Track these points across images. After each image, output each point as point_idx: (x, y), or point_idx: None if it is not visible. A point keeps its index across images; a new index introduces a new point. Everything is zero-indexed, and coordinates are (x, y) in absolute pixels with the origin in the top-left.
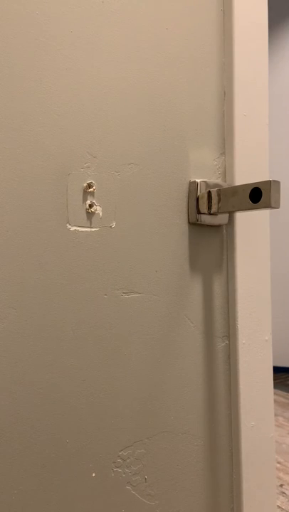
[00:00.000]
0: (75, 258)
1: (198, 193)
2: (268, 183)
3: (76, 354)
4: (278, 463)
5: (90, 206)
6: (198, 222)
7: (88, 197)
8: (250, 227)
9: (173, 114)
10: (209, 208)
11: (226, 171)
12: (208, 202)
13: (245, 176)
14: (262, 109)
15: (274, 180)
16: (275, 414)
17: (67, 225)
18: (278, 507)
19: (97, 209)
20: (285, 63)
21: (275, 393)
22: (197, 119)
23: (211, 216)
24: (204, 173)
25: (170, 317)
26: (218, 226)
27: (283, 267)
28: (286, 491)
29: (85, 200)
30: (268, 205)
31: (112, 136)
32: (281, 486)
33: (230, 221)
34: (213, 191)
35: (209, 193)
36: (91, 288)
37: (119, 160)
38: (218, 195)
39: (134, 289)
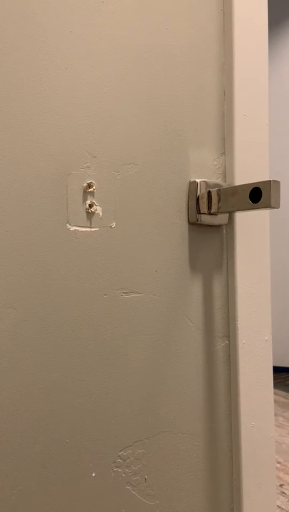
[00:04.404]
0: (75, 258)
1: (198, 193)
2: (268, 183)
3: (76, 354)
4: (278, 463)
5: (90, 206)
6: (198, 222)
7: (88, 197)
8: (250, 227)
9: (173, 114)
10: (209, 207)
11: (226, 171)
12: (208, 202)
13: (245, 176)
14: (262, 109)
15: (274, 180)
16: (275, 414)
17: (67, 225)
18: (278, 507)
19: (97, 209)
20: (285, 63)
21: (275, 393)
22: (197, 119)
23: (211, 216)
24: (204, 173)
25: (170, 317)
26: (218, 226)
27: (283, 267)
28: (286, 491)
29: (85, 200)
30: (267, 205)
31: (112, 136)
32: (281, 485)
33: (230, 221)
34: (213, 191)
35: (209, 193)
36: (91, 288)
37: (119, 160)
38: (218, 195)
39: (134, 289)
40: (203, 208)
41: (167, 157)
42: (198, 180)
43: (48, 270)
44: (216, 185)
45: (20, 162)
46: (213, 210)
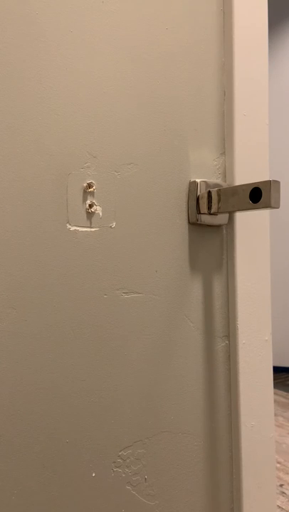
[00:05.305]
0: (75, 258)
1: (198, 193)
2: (268, 183)
3: (76, 354)
4: (278, 463)
5: (90, 206)
6: (198, 222)
7: (88, 197)
8: (250, 227)
9: (173, 114)
10: (209, 207)
11: (226, 171)
12: (208, 202)
13: (245, 176)
14: (262, 109)
15: (274, 180)
16: (275, 414)
17: (67, 225)
18: (278, 507)
19: (97, 209)
20: (285, 63)
21: (275, 393)
22: (197, 119)
23: (211, 216)
24: (204, 173)
25: (170, 317)
26: (218, 226)
27: (283, 267)
28: (286, 491)
29: (85, 200)
30: (267, 205)
31: (112, 136)
32: (281, 485)
33: (230, 221)
34: (213, 191)
35: (209, 193)
36: (91, 288)
37: (119, 160)
38: (218, 195)
39: (134, 289)
40: (203, 208)
41: (167, 157)
42: (198, 180)
43: (48, 270)
44: (216, 185)
45: (20, 162)
46: (213, 210)
